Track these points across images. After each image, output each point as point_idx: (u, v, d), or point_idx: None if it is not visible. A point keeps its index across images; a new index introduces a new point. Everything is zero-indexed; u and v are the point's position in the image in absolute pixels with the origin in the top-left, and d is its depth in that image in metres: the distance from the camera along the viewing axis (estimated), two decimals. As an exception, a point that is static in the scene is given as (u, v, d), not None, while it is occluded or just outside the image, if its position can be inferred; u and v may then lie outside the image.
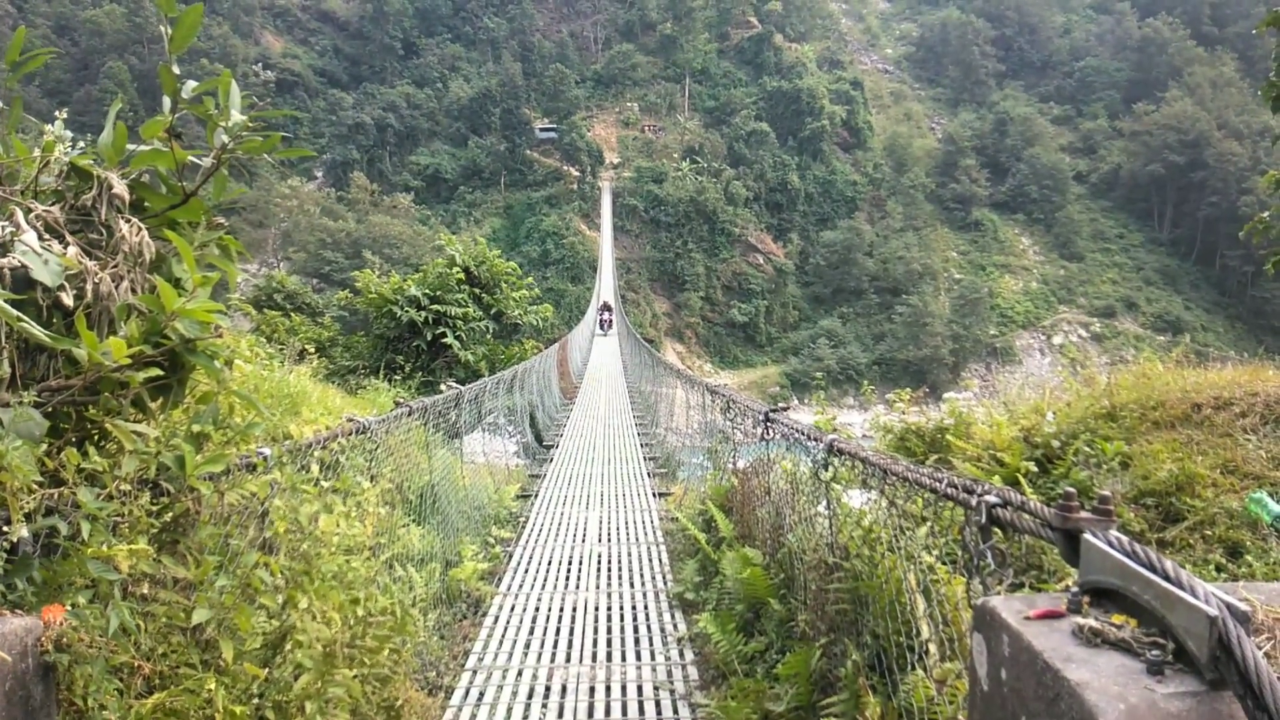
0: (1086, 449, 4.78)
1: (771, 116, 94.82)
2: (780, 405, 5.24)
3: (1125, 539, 1.57)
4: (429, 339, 17.65)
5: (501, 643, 5.55)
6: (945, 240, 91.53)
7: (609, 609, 6.16)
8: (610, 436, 15.25)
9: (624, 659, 5.25)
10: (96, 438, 2.36)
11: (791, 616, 4.06)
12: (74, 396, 2.28)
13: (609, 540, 8.10)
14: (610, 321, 47.00)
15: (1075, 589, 1.61)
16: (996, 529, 2.08)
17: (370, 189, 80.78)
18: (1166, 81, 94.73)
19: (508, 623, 5.91)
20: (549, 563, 7.37)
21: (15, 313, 1.93)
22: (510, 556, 7.56)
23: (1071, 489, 1.74)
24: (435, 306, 17.95)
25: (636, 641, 5.55)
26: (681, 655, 5.26)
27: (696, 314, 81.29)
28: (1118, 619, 1.50)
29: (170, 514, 2.35)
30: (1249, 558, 3.92)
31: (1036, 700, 1.44)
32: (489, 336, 19.71)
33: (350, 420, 4.76)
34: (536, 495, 10.19)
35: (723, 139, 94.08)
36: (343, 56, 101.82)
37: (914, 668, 2.64)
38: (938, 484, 2.39)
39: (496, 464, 11.32)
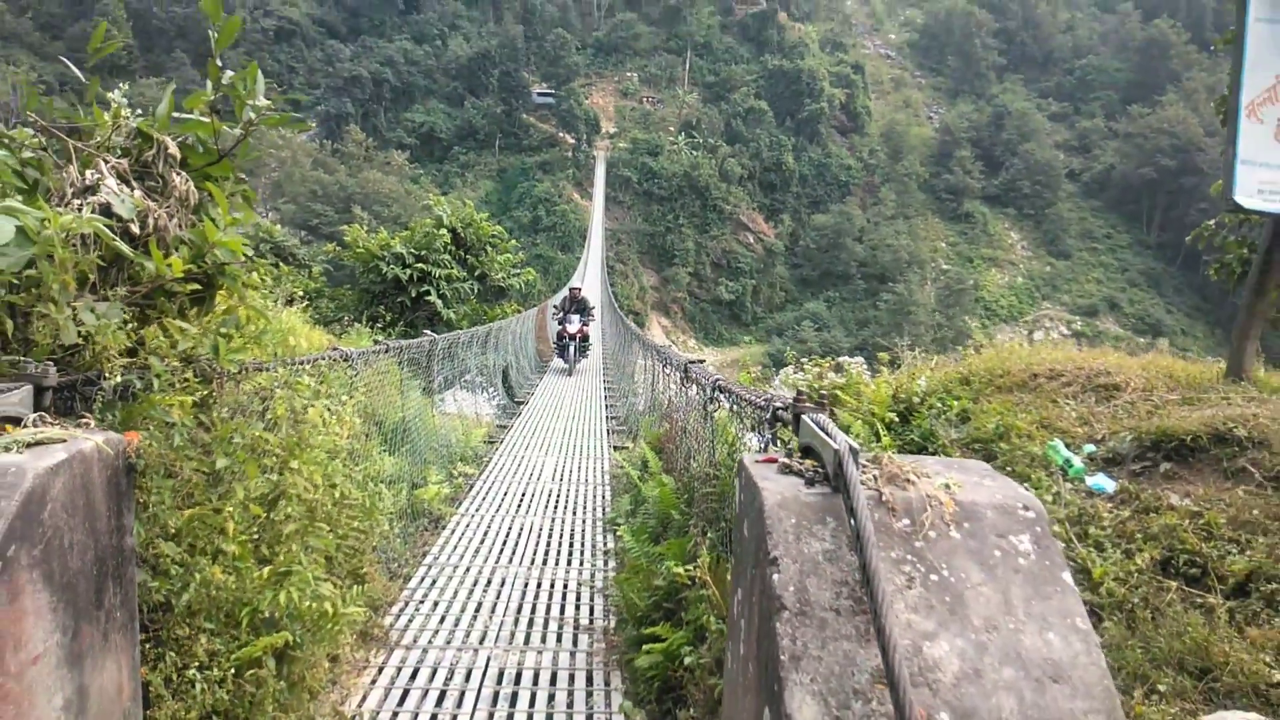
0: (938, 404, 5.75)
1: (771, 95, 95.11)
2: (697, 360, 6.18)
3: (823, 418, 2.51)
4: (413, 296, 18.45)
5: (455, 548, 6.52)
6: (935, 230, 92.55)
7: (551, 531, 7.14)
8: (579, 396, 16.22)
9: (558, 564, 6.24)
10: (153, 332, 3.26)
11: (687, 523, 5.02)
12: (137, 301, 3.18)
13: (561, 479, 9.05)
14: (585, 339, 21.01)
15: (791, 447, 2.56)
16: (778, 423, 3.03)
17: (365, 143, 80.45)
18: (1165, 85, 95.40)
19: (462, 535, 6.88)
20: (505, 493, 8.33)
21: (112, 235, 2.82)
22: (471, 487, 8.50)
23: (801, 389, 2.68)
24: (420, 265, 18.73)
25: (570, 553, 6.54)
26: (605, 563, 6.26)
27: (684, 289, 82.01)
28: (808, 463, 2.45)
29: (203, 390, 3.25)
30: (1028, 486, 4.91)
31: (748, 504, 2.39)
32: (473, 298, 20.49)
33: (334, 349, 5.66)
34: (502, 441, 11.13)
35: (720, 115, 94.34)
36: (342, 7, 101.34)
37: (742, 537, 3.61)
38: (756, 399, 3.34)
39: (468, 413, 12.21)
